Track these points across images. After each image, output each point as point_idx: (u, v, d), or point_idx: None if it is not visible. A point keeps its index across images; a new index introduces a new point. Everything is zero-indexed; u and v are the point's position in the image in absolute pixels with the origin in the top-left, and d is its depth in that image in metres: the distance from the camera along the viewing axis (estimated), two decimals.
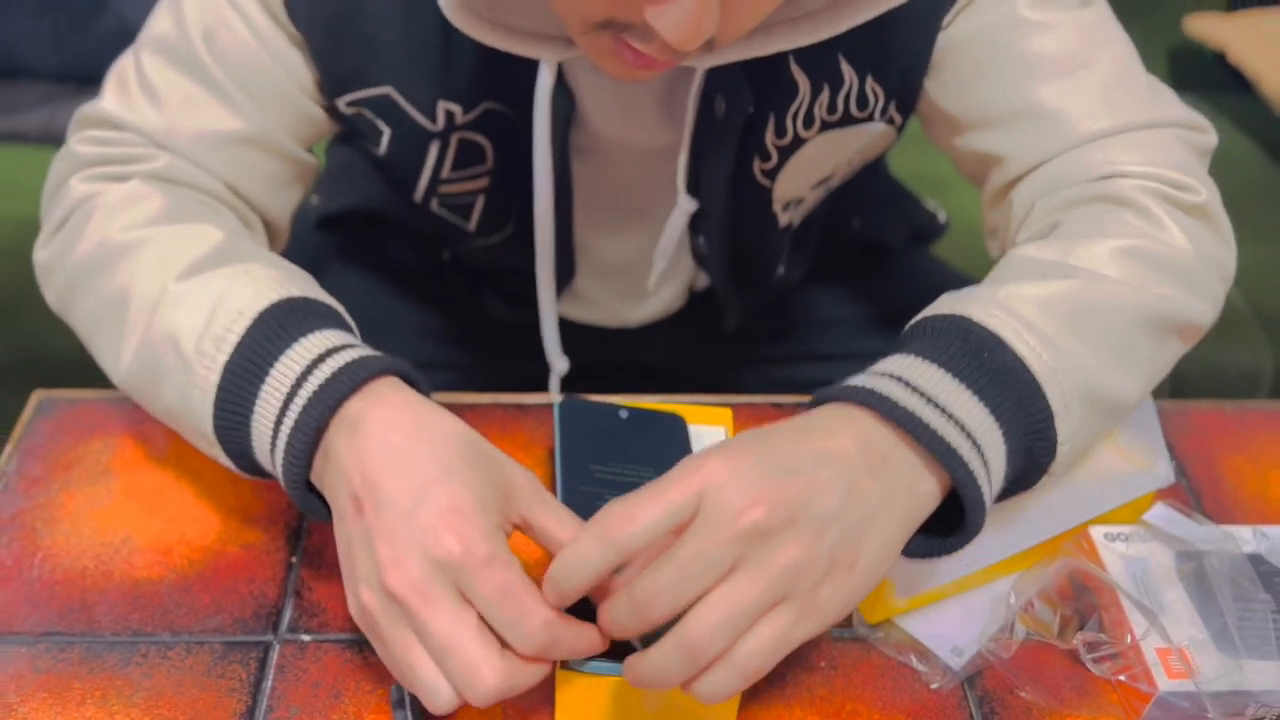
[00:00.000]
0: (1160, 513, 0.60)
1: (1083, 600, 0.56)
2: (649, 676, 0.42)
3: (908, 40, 0.61)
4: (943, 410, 0.45)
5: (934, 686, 0.54)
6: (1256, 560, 0.57)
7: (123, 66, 0.61)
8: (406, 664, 0.44)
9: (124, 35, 1.18)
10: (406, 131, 0.63)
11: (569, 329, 0.75)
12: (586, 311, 0.79)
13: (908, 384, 0.46)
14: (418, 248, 0.80)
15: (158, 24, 0.61)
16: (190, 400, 0.50)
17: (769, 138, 0.63)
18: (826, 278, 0.84)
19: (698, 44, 0.45)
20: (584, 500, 0.54)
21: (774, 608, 0.42)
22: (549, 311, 0.70)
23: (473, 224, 0.69)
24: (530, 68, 0.59)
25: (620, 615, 0.42)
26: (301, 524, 0.60)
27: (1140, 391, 0.54)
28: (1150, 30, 1.47)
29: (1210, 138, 0.63)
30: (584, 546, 0.43)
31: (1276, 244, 1.18)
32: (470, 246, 0.73)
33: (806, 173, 0.67)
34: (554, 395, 0.72)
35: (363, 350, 0.50)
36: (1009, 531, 0.56)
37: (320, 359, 0.48)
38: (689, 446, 0.59)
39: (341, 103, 0.62)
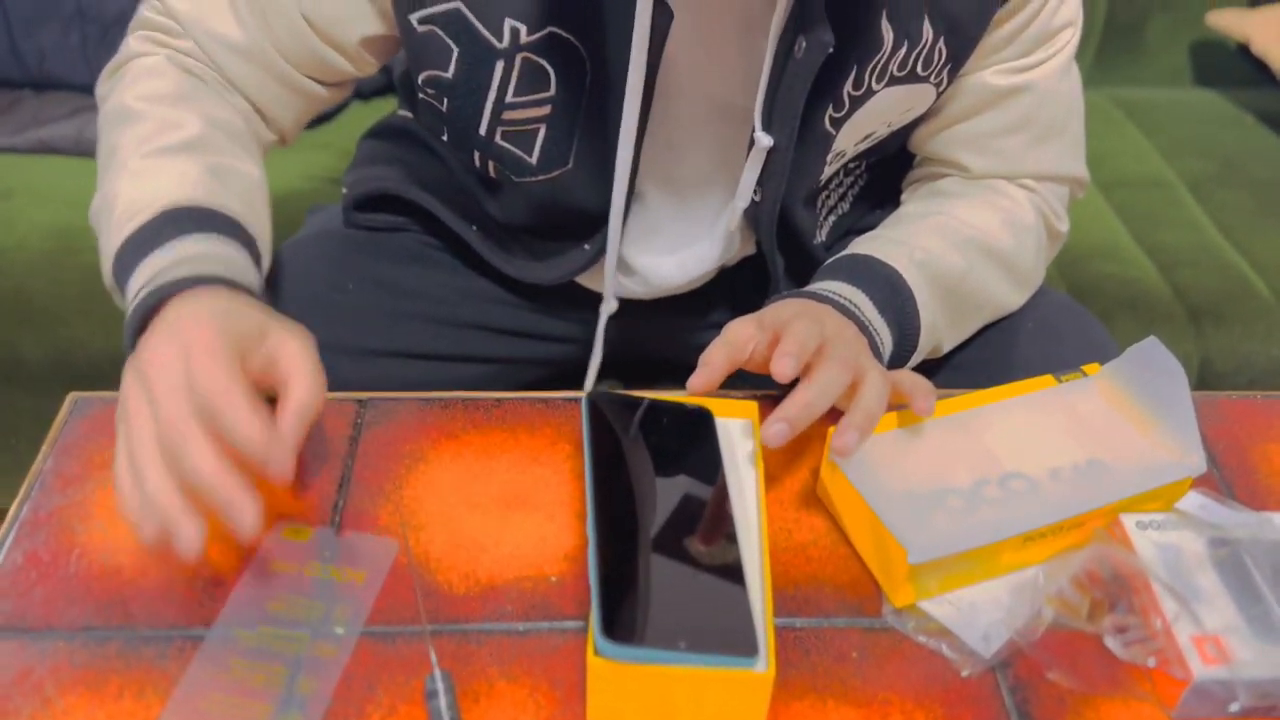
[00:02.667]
0: (1193, 500, 0.60)
1: (1114, 586, 0.55)
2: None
3: (977, 9, 0.67)
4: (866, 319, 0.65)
5: (965, 674, 0.53)
6: None
7: None
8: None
9: None
10: (474, 48, 0.66)
11: (594, 307, 0.78)
12: (623, 279, 0.80)
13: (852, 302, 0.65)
14: (450, 220, 0.81)
15: None
16: (105, 250, 0.63)
17: (847, 86, 0.67)
18: None
19: None
20: (614, 493, 0.54)
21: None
22: (614, 241, 0.72)
23: (535, 156, 0.70)
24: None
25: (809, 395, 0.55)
26: (334, 517, 0.60)
27: (963, 329, 0.74)
28: (1173, 25, 1.46)
29: (1084, 190, 0.82)
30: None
31: None
32: (527, 189, 0.73)
33: (863, 126, 0.71)
34: (596, 351, 0.78)
35: (197, 266, 0.58)
36: (1032, 505, 0.56)
37: (167, 267, 0.58)
38: (716, 438, 0.59)
39: (414, 19, 0.65)
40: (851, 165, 0.78)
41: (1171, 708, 0.52)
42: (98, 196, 0.67)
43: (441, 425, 0.66)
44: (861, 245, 0.71)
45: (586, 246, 0.76)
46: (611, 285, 0.76)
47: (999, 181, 0.76)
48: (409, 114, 0.85)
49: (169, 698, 0.51)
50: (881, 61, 0.66)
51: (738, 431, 0.61)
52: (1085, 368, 0.64)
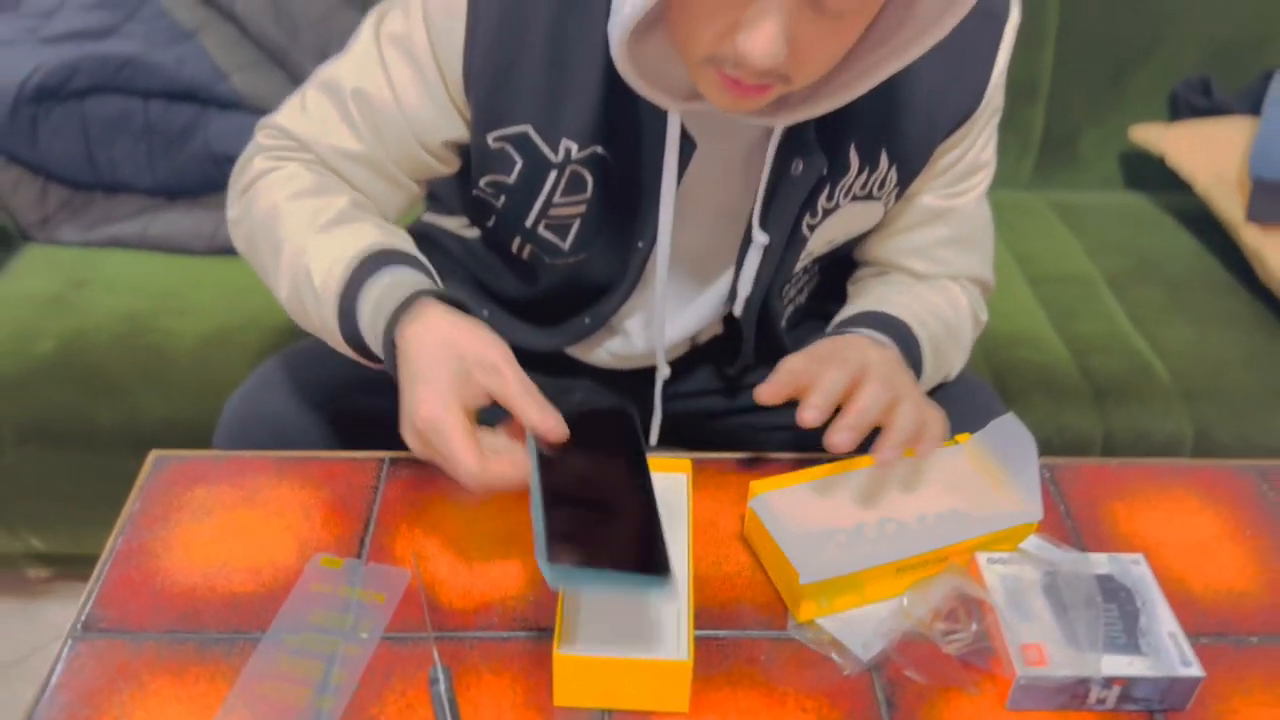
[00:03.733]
0: (1033, 542, 0.75)
1: (966, 606, 0.71)
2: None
3: (922, 148, 0.83)
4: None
5: (846, 673, 0.69)
6: (1105, 579, 0.72)
7: (300, 92, 0.85)
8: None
9: (208, 158, 1.41)
10: (535, 161, 0.81)
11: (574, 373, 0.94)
12: (613, 346, 0.96)
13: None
14: (467, 300, 0.96)
15: (329, 68, 0.83)
16: (330, 324, 0.76)
17: (821, 200, 0.83)
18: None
19: (773, 63, 0.63)
20: (558, 469, 0.67)
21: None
22: (660, 313, 0.88)
23: (568, 242, 0.86)
24: (632, 123, 0.78)
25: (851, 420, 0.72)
26: (361, 551, 0.76)
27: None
28: (1103, 138, 1.65)
29: (991, 293, 0.99)
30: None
31: (1203, 326, 1.33)
32: (552, 267, 0.89)
33: (830, 232, 0.87)
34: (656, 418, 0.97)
35: (407, 285, 0.73)
36: (900, 542, 0.72)
37: (384, 295, 0.73)
38: (639, 434, 0.73)
39: (490, 138, 0.80)
40: (809, 265, 0.95)
41: (1004, 701, 0.67)
42: (284, 286, 0.78)
43: (443, 479, 0.82)
44: (879, 304, 0.87)
45: (587, 320, 0.92)
46: (661, 355, 0.92)
47: (945, 281, 0.93)
48: (433, 218, 1.01)
49: (233, 684, 0.67)
50: (849, 182, 0.83)
51: (673, 485, 0.78)
52: (957, 436, 0.81)
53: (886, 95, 0.78)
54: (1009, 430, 0.79)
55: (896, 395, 0.74)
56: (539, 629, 0.71)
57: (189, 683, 0.67)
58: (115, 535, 0.78)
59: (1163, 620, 0.70)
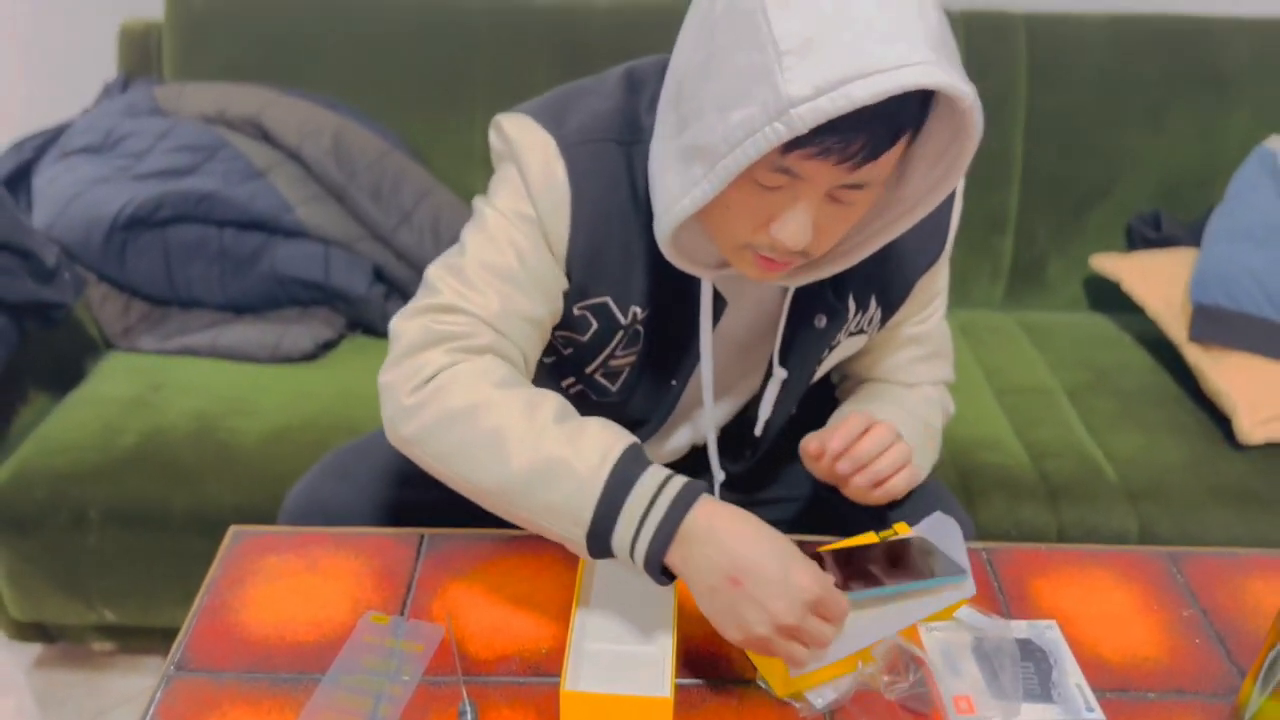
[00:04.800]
0: (966, 611, 0.90)
1: (905, 662, 0.85)
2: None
3: (903, 290, 1.00)
4: None
5: (802, 715, 0.83)
6: (1024, 642, 0.87)
7: (439, 277, 0.88)
8: (788, 657, 0.78)
9: (273, 279, 1.61)
10: (608, 325, 0.95)
11: None
12: None
13: None
14: None
15: (474, 248, 0.89)
16: (576, 503, 0.79)
17: (828, 341, 0.99)
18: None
19: (802, 246, 0.79)
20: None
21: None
22: (713, 442, 1.05)
23: (617, 387, 1.02)
24: (679, 287, 0.92)
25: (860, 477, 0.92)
26: (403, 609, 0.92)
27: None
28: (1068, 265, 1.83)
29: (951, 383, 1.15)
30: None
31: (1150, 433, 1.48)
32: (597, 403, 1.03)
33: (827, 363, 1.03)
34: None
35: (680, 478, 0.80)
36: (865, 634, 0.85)
37: (661, 486, 0.79)
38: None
39: (575, 307, 0.94)
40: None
41: None
42: (512, 472, 0.80)
43: (472, 550, 0.98)
44: (878, 408, 1.03)
45: None
46: (717, 471, 1.08)
47: (921, 385, 1.09)
48: None
49: (298, 714, 0.82)
50: (847, 326, 0.98)
51: None
52: (896, 526, 0.96)
53: (877, 254, 0.90)
54: (942, 522, 0.94)
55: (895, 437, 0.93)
56: (551, 675, 0.86)
57: (263, 713, 0.82)
58: (201, 594, 0.93)
59: (1071, 675, 0.84)
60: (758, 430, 1.05)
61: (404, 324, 0.88)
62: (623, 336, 0.97)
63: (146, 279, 1.60)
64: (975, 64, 1.72)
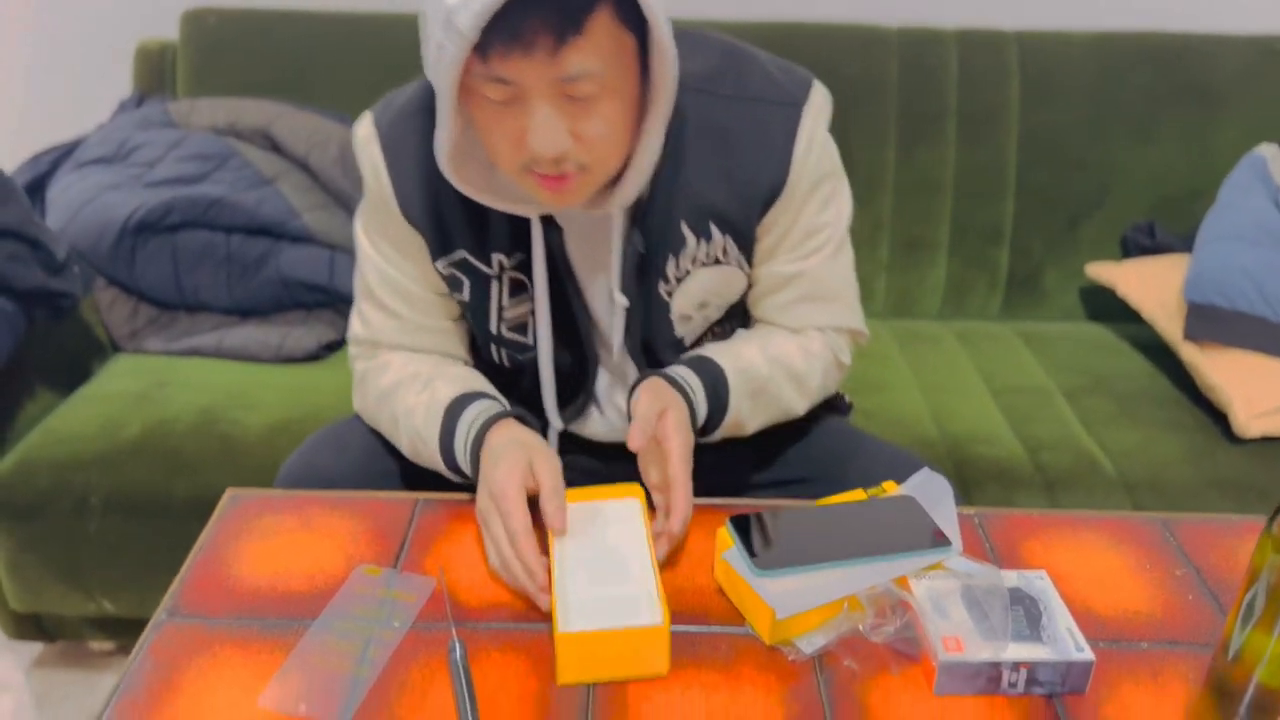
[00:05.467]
0: (958, 561, 0.90)
1: (892, 606, 0.85)
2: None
3: (746, 220, 1.00)
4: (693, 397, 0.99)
5: (791, 659, 0.83)
6: (1014, 590, 0.86)
7: (356, 307, 1.09)
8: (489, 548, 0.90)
9: (279, 283, 1.63)
10: (478, 278, 1.02)
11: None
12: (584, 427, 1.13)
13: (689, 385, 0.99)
14: None
15: (358, 278, 1.08)
16: (435, 461, 1.00)
17: (670, 269, 1.02)
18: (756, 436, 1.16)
19: (560, 149, 0.84)
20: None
21: None
22: (548, 381, 1.07)
23: (531, 336, 1.05)
24: (525, 228, 0.98)
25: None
26: (396, 564, 0.92)
27: (760, 420, 1.07)
28: (1064, 275, 1.84)
29: (865, 339, 1.15)
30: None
31: (1148, 430, 1.47)
32: (525, 366, 1.08)
33: (692, 296, 1.04)
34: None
35: (489, 410, 0.98)
36: (849, 583, 0.86)
37: (472, 422, 0.97)
38: (640, 516, 0.92)
39: (440, 266, 1.02)
40: (717, 329, 1.11)
41: (931, 682, 0.81)
42: (405, 441, 1.04)
43: (466, 512, 0.99)
44: (712, 350, 1.04)
45: (580, 400, 1.11)
46: (552, 407, 1.10)
47: (807, 330, 1.08)
48: None
49: (287, 656, 0.82)
50: (690, 253, 1.00)
51: (629, 507, 0.94)
52: (885, 485, 0.96)
53: (704, 183, 0.98)
54: (930, 480, 0.95)
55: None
56: (542, 621, 0.86)
57: (252, 654, 0.82)
58: (195, 551, 0.94)
59: (1060, 619, 0.84)
60: (603, 358, 1.06)
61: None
62: (499, 287, 1.02)
63: (155, 283, 1.63)
64: (969, 81, 1.78)
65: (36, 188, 1.74)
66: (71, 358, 1.60)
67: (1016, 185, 1.81)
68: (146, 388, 1.51)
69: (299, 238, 1.63)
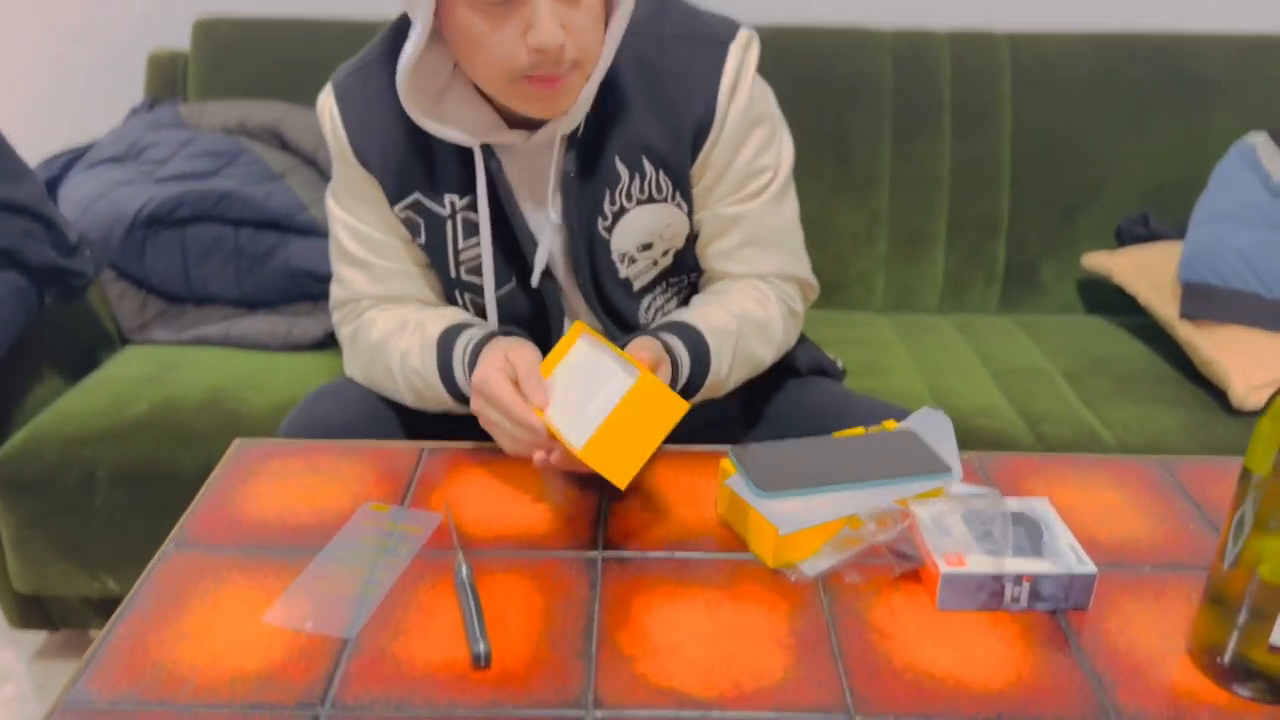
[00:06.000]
0: (960, 486, 0.90)
1: (893, 516, 0.85)
2: None
3: (678, 155, 1.03)
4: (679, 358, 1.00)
5: (794, 579, 0.83)
6: (1017, 514, 0.87)
7: (334, 278, 1.13)
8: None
9: (286, 274, 1.66)
10: (433, 220, 1.05)
11: None
12: None
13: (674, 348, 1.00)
14: None
15: (332, 245, 1.12)
16: (439, 394, 1.03)
17: (605, 205, 1.04)
18: (747, 392, 1.17)
19: (559, 42, 0.87)
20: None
21: None
22: (492, 311, 1.09)
23: (494, 282, 1.07)
24: (471, 164, 1.01)
25: None
26: (403, 503, 0.93)
27: (737, 376, 1.08)
28: (1060, 267, 1.86)
29: (814, 291, 1.17)
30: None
31: (1147, 406, 1.48)
32: (501, 302, 1.09)
33: (633, 234, 1.06)
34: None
35: (479, 333, 1.02)
36: (847, 506, 0.86)
37: (465, 346, 1.01)
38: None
39: (397, 211, 1.05)
40: (672, 280, 1.13)
41: (933, 599, 0.81)
42: (404, 386, 1.06)
43: (473, 458, 1.00)
44: (682, 315, 1.05)
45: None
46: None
47: (750, 279, 1.10)
48: None
49: (295, 578, 0.83)
50: (624, 188, 1.03)
51: (591, 344, 0.94)
52: (885, 423, 0.97)
53: (635, 117, 1.01)
54: (930, 416, 0.96)
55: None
56: (541, 550, 0.86)
57: (259, 578, 0.83)
58: (203, 492, 0.95)
59: (1062, 536, 0.84)
60: (533, 281, 1.08)
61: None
62: (453, 228, 1.05)
63: (164, 276, 1.66)
64: (961, 77, 1.82)
65: (49, 188, 1.77)
66: (81, 348, 1.62)
67: (1011, 179, 1.84)
68: (156, 371, 1.53)
69: (306, 230, 1.66)
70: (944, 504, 0.88)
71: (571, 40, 0.89)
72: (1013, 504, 0.89)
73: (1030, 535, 0.85)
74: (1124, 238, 1.82)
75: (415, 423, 1.11)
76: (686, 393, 1.02)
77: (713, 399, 1.08)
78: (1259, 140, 1.69)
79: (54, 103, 2.10)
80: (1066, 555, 0.82)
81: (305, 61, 1.84)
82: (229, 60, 1.89)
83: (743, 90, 1.02)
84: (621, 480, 0.83)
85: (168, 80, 1.93)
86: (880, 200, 1.83)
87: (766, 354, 1.10)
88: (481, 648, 0.74)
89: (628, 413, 0.85)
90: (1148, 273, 1.66)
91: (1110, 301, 1.80)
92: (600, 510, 0.92)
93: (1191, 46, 1.85)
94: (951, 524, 0.85)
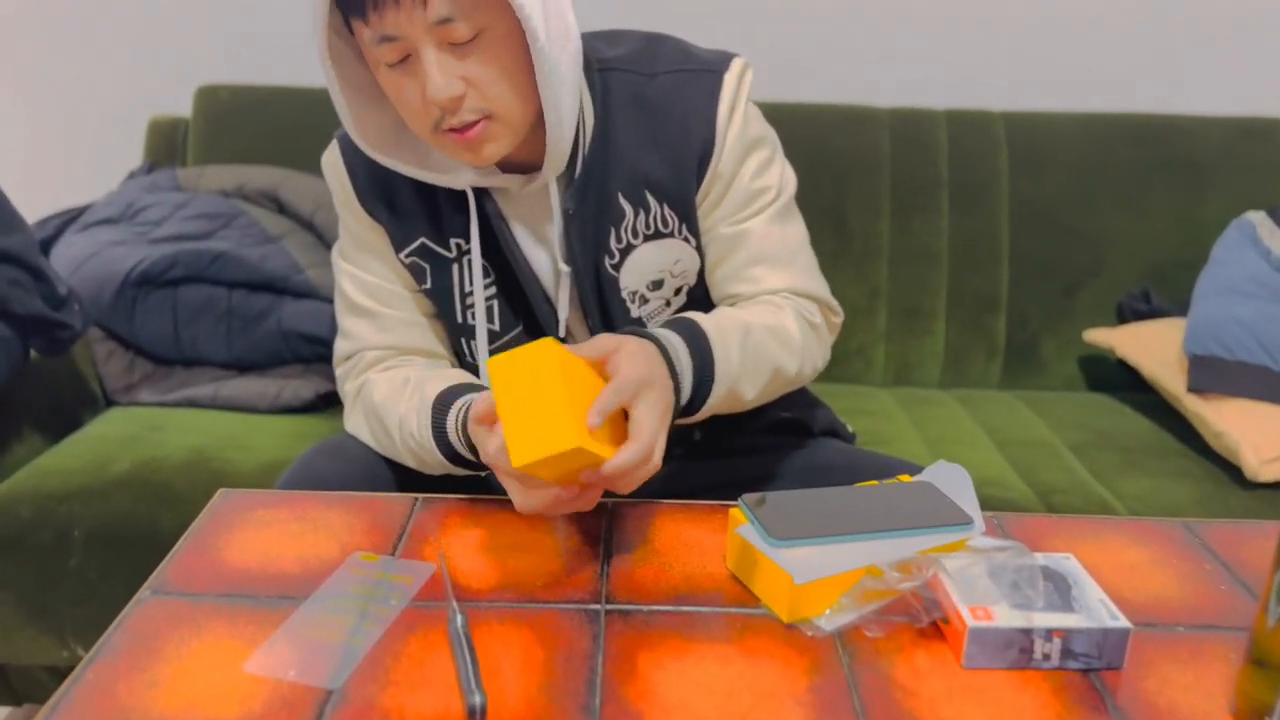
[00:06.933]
0: (982, 540, 0.86)
1: (918, 565, 0.80)
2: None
3: (682, 187, 1.02)
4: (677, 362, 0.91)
5: (810, 634, 0.78)
6: (1044, 569, 0.83)
7: (339, 335, 1.11)
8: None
9: (279, 336, 1.63)
10: (438, 264, 1.04)
11: None
12: None
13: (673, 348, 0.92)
14: None
15: (339, 305, 1.10)
16: (437, 459, 0.99)
17: (611, 242, 1.02)
18: (759, 451, 1.14)
19: (450, 95, 0.88)
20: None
21: None
22: (484, 370, 1.04)
23: (497, 323, 1.05)
24: (467, 208, 1.00)
25: None
26: (394, 553, 0.88)
27: (753, 380, 0.99)
28: (1061, 344, 1.85)
29: (837, 315, 1.12)
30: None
31: (1157, 479, 1.45)
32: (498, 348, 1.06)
33: (642, 271, 1.04)
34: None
35: (477, 395, 0.95)
36: (872, 555, 0.82)
37: (460, 411, 0.96)
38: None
39: (402, 257, 1.04)
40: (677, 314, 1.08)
41: (959, 656, 0.76)
42: (403, 448, 1.02)
43: (467, 510, 0.95)
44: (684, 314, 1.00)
45: None
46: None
47: (761, 296, 1.05)
48: None
49: (278, 627, 0.77)
50: (629, 224, 1.01)
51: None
52: (900, 477, 0.94)
53: (634, 151, 1.00)
54: (947, 470, 0.93)
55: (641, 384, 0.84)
56: (551, 601, 0.81)
57: (240, 627, 0.78)
58: (184, 539, 0.90)
59: (1091, 591, 0.80)
60: (560, 333, 1.05)
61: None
62: (460, 270, 1.03)
63: (153, 337, 1.62)
64: (959, 155, 1.83)
65: (43, 249, 1.74)
66: (64, 409, 1.57)
67: (1011, 254, 1.84)
68: (139, 431, 1.48)
69: (302, 292, 1.63)
70: (967, 556, 0.83)
71: (475, 92, 0.90)
72: (1038, 559, 0.85)
73: (1059, 589, 0.80)
74: (1125, 314, 1.81)
75: (418, 481, 1.06)
76: (698, 396, 0.94)
77: (719, 454, 1.05)
78: (1258, 218, 1.70)
79: (54, 166, 2.10)
80: (1098, 610, 0.78)
81: (305, 128, 1.84)
82: (230, 126, 1.89)
83: (738, 114, 1.02)
84: (554, 445, 0.77)
85: (168, 145, 1.93)
86: (879, 274, 1.83)
87: (788, 361, 1.01)
88: (477, 700, 0.69)
89: (510, 395, 0.78)
90: (1152, 347, 1.65)
91: (1113, 377, 1.78)
92: (602, 562, 0.88)
93: (1183, 129, 1.87)
94: (976, 576, 0.81)
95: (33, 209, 1.85)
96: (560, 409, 0.77)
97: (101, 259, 1.62)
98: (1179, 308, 1.75)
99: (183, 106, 1.96)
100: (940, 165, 1.84)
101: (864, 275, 1.82)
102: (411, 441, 1.00)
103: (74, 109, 2.08)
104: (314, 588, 0.83)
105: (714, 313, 1.01)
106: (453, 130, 0.91)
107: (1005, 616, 0.76)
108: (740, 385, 0.98)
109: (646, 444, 0.82)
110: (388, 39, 0.88)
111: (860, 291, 1.82)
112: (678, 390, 0.90)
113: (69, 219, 1.79)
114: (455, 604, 0.80)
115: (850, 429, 1.24)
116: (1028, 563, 0.82)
